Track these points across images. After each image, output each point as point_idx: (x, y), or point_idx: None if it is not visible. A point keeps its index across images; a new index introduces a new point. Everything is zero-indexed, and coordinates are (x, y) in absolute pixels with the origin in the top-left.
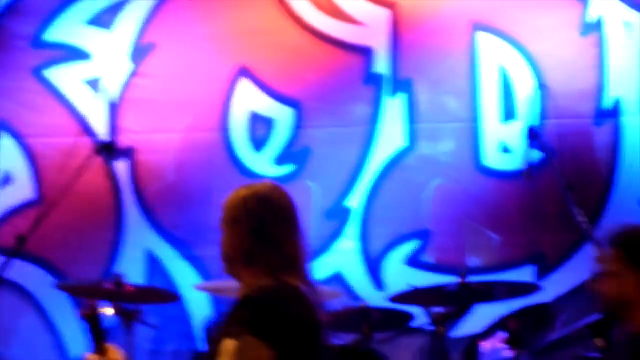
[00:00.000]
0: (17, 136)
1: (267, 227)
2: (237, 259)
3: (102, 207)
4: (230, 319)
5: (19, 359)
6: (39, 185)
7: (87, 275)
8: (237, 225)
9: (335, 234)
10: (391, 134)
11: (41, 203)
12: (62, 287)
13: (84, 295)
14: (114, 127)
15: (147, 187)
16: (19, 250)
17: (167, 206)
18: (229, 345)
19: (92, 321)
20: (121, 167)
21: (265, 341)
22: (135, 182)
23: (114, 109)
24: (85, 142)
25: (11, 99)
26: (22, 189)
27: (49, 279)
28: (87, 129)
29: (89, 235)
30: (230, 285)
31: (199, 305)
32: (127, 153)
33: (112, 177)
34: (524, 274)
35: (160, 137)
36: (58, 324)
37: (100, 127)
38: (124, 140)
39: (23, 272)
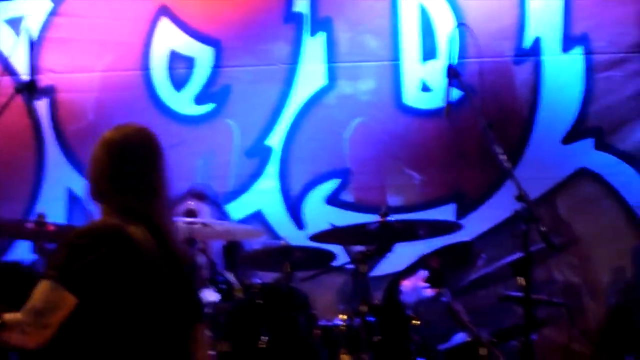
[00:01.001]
0: None
1: (122, 169)
2: (99, 200)
3: (22, 145)
4: (48, 260)
5: None
6: None
7: (8, 214)
8: (98, 165)
9: (256, 174)
10: (311, 73)
11: None
12: None
13: (6, 235)
14: (34, 66)
15: (68, 126)
16: None
17: (88, 145)
18: (37, 287)
19: None
20: (42, 106)
21: (67, 287)
22: (56, 121)
23: (34, 48)
24: (6, 81)
25: None
26: None
27: None
28: (7, 68)
29: (10, 174)
30: None
31: None
32: (48, 92)
33: (32, 116)
34: (445, 213)
35: (81, 77)
36: None
37: (21, 66)
38: (44, 80)
39: None
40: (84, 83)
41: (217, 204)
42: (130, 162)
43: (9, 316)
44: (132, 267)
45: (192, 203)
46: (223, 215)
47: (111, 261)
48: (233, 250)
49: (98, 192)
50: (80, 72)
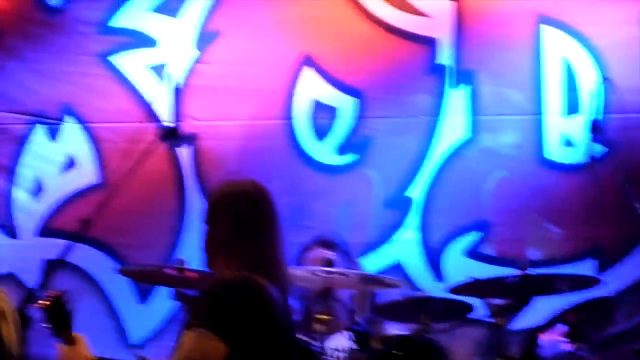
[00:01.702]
0: (82, 121)
1: (246, 224)
2: (216, 253)
3: (164, 193)
4: (192, 310)
5: None
6: (103, 170)
7: (149, 261)
8: (219, 220)
9: (395, 224)
10: (453, 125)
11: (105, 188)
12: (124, 272)
13: (146, 281)
14: (178, 114)
15: (210, 174)
16: (82, 234)
17: None
18: (186, 336)
19: (55, 309)
20: (184, 153)
21: (219, 335)
22: (198, 169)
23: (178, 95)
24: (150, 128)
25: (77, 84)
26: (86, 174)
27: (110, 263)
28: (151, 115)
29: (152, 221)
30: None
31: None
32: (191, 140)
33: (175, 163)
34: (585, 268)
35: (224, 125)
36: (119, 309)
37: (165, 113)
38: (187, 127)
39: (85, 256)
40: (226, 131)
41: (347, 253)
42: (249, 214)
43: None
44: (269, 317)
45: (331, 253)
46: (353, 265)
47: (253, 311)
48: (367, 300)
49: (218, 243)
50: (223, 120)
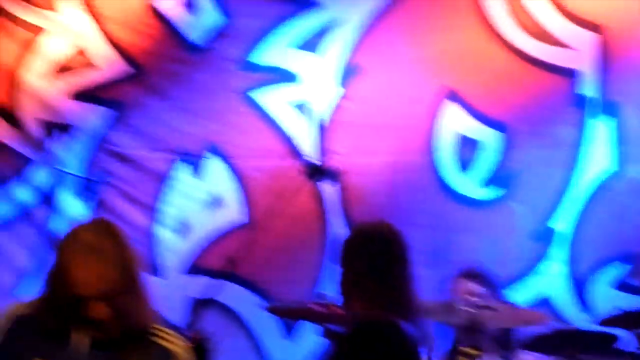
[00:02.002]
0: (226, 158)
1: (379, 266)
2: (351, 293)
3: (309, 229)
4: (332, 350)
5: None
6: (249, 207)
7: (294, 297)
8: (352, 262)
9: (539, 256)
10: (598, 156)
11: (250, 225)
12: (272, 310)
13: (293, 318)
14: (322, 150)
15: (355, 210)
16: (228, 272)
17: None
18: None
19: (197, 352)
20: (329, 189)
21: None
22: (343, 205)
23: (322, 131)
24: (294, 165)
25: (221, 121)
26: (231, 212)
27: (256, 300)
28: (295, 152)
29: (297, 257)
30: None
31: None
32: (335, 176)
33: (319, 199)
34: None
35: (368, 160)
36: (265, 345)
37: (309, 149)
38: (332, 163)
39: (232, 294)
40: (370, 166)
41: (493, 285)
42: (381, 256)
43: None
44: (402, 355)
45: (477, 285)
46: (500, 298)
47: (387, 350)
48: (507, 333)
49: (353, 284)
50: (367, 156)
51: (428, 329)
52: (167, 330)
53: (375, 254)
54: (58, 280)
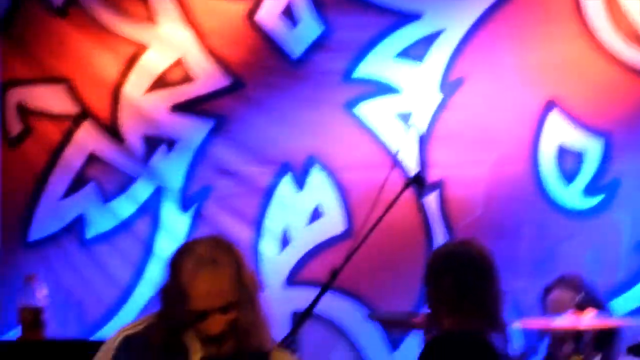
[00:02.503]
0: (327, 170)
1: (466, 283)
2: (438, 309)
3: (412, 241)
4: None
5: None
6: (350, 219)
7: (396, 309)
8: (440, 280)
9: None
10: None
11: (352, 237)
12: (373, 317)
13: (396, 328)
14: (423, 161)
15: (457, 221)
16: (330, 284)
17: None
18: None
19: None
20: (431, 201)
21: None
22: (445, 216)
23: (423, 142)
24: (395, 177)
25: (322, 133)
26: (333, 223)
27: (359, 312)
28: (397, 163)
29: (400, 269)
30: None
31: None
32: (437, 187)
33: (422, 210)
34: None
35: (470, 171)
36: (370, 359)
37: (411, 161)
38: (433, 174)
39: (335, 306)
40: (472, 177)
41: (593, 294)
42: (468, 272)
43: None
44: None
45: (574, 294)
46: (600, 307)
47: None
48: (609, 338)
49: (440, 301)
50: (468, 167)
51: (519, 341)
52: (282, 350)
53: (461, 270)
54: (173, 296)
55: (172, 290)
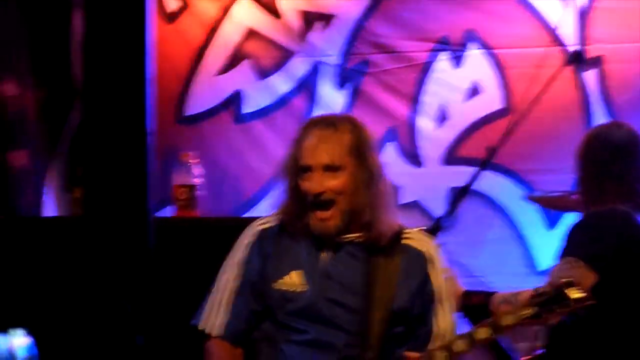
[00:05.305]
0: (486, 47)
1: (607, 162)
2: (592, 189)
3: (569, 117)
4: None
5: (488, 269)
6: (508, 95)
7: (553, 186)
8: (584, 161)
9: None
10: None
11: (509, 114)
12: (532, 199)
13: (553, 207)
14: (583, 37)
15: (616, 98)
16: (488, 161)
17: (636, 117)
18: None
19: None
20: (590, 77)
21: (589, 263)
22: (604, 93)
23: (583, 18)
24: (555, 53)
25: (480, 9)
26: (490, 100)
27: (516, 190)
28: (556, 40)
29: (557, 146)
30: None
31: None
32: (596, 63)
33: (580, 87)
34: None
35: (629, 47)
36: (527, 236)
37: (570, 37)
38: (593, 50)
39: (492, 184)
40: (632, 53)
41: None
42: (611, 156)
43: None
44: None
45: None
46: None
47: (621, 239)
48: None
49: (588, 183)
50: (628, 42)
51: None
52: (413, 230)
53: (613, 152)
54: (290, 160)
55: (290, 156)
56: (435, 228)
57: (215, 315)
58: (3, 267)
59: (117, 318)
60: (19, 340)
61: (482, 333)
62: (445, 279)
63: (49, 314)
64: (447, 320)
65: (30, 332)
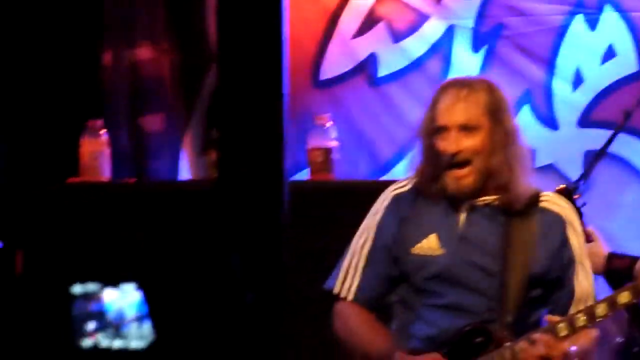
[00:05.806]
0: (621, 10)
1: None
2: None
3: None
4: None
5: (623, 233)
6: None
7: None
8: None
9: None
10: None
11: None
12: None
13: None
14: None
15: None
16: (624, 124)
17: None
18: None
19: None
20: None
21: None
22: None
23: None
24: None
25: None
26: (626, 63)
27: None
28: None
29: None
30: None
31: None
32: None
33: None
34: None
35: None
36: None
37: None
38: None
39: (628, 147)
40: None
41: None
42: None
43: None
44: None
45: None
46: None
47: None
48: None
49: None
50: None
51: None
52: (550, 193)
53: None
54: (427, 122)
55: (426, 117)
56: (571, 191)
57: (350, 279)
58: (135, 228)
59: (229, 276)
60: (130, 295)
61: (624, 297)
62: (584, 242)
63: (166, 271)
64: (587, 284)
65: (141, 286)
